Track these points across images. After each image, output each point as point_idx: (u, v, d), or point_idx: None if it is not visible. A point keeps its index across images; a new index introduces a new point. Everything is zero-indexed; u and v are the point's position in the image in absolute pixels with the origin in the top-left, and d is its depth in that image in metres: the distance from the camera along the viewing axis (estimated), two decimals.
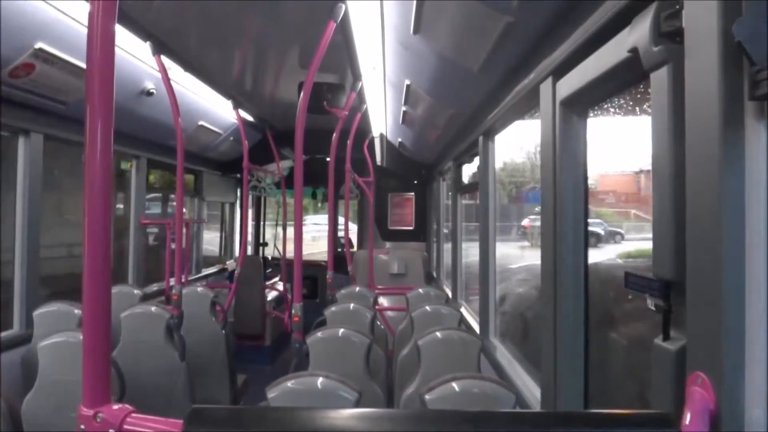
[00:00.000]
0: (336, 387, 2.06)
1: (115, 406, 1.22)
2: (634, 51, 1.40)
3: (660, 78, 1.31)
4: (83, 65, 1.27)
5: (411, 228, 8.47)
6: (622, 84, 1.74)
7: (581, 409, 2.03)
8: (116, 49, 1.30)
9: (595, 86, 1.78)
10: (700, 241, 1.16)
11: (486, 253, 3.78)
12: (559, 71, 2.02)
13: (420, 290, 4.51)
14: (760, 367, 1.09)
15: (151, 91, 4.52)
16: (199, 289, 4.68)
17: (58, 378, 2.71)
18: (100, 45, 1.24)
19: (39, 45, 3.20)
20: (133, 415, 1.21)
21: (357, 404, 2.02)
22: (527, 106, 2.74)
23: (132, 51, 4.03)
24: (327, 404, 1.91)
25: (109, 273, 1.26)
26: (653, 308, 1.36)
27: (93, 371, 1.23)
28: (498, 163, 3.83)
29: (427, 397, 1.97)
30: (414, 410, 1.29)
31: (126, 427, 1.19)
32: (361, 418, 1.16)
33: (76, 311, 3.49)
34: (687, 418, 1.08)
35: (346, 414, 1.18)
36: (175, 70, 4.40)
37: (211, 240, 8.43)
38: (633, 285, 1.51)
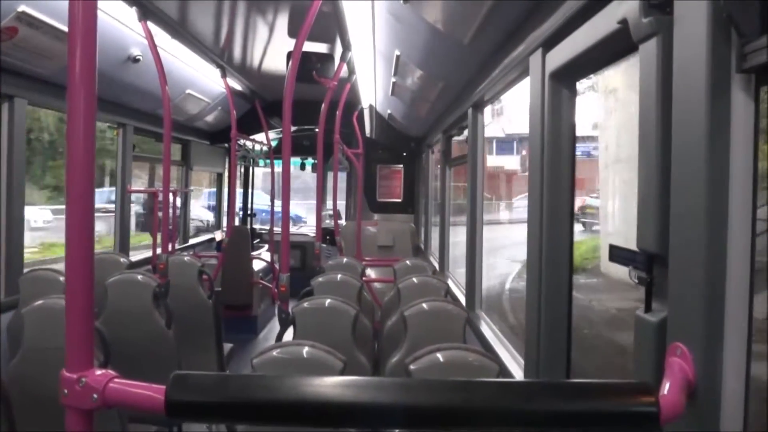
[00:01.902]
0: (321, 356, 2.07)
1: (99, 371, 1.21)
2: (623, 22, 1.39)
3: (649, 50, 1.30)
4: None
5: (399, 200, 8.46)
6: (611, 56, 1.73)
7: (563, 379, 2.06)
8: (101, 14, 1.27)
9: (584, 58, 1.77)
10: (684, 214, 1.16)
11: (474, 227, 3.79)
12: (549, 43, 2.01)
13: (407, 262, 4.52)
14: (738, 340, 1.11)
15: (138, 57, 4.44)
16: (186, 258, 4.66)
17: (43, 343, 2.70)
18: (82, 8, 1.21)
19: (22, 8, 3.13)
20: (116, 380, 1.21)
21: (342, 373, 2.03)
22: (517, 78, 2.73)
23: (118, 16, 3.95)
24: (312, 373, 1.92)
25: (92, 238, 1.25)
26: (636, 281, 1.37)
27: (76, 336, 1.22)
28: None
29: (411, 366, 1.98)
30: (399, 378, 1.29)
31: (109, 392, 1.19)
32: (345, 386, 1.16)
33: (61, 278, 3.47)
34: (665, 388, 1.10)
35: (331, 381, 1.18)
36: (162, 37, 4.32)
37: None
38: (617, 258, 1.52)
